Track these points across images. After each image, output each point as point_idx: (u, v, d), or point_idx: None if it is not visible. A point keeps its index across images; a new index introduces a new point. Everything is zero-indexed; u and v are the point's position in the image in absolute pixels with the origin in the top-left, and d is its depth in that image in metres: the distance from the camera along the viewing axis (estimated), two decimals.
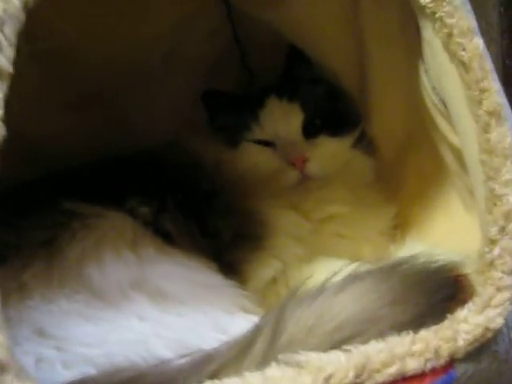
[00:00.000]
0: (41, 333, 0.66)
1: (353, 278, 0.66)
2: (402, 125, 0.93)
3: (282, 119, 0.95)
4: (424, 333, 0.58)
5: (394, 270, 0.66)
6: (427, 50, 0.70)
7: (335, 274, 0.67)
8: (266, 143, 0.95)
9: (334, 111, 0.98)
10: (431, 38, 0.66)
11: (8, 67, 0.52)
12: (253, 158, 0.95)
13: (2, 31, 0.51)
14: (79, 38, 0.87)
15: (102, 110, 0.99)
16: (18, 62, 0.79)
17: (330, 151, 0.95)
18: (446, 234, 0.85)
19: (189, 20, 1.01)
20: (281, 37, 1.01)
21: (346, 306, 0.62)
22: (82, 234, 0.75)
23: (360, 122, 0.98)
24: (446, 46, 0.63)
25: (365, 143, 0.98)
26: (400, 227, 0.94)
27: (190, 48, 1.04)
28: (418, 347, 0.57)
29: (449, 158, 0.80)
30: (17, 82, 0.83)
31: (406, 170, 0.94)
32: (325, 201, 0.93)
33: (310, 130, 0.95)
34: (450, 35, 0.61)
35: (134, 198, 0.83)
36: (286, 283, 0.86)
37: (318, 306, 0.63)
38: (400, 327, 0.59)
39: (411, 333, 0.58)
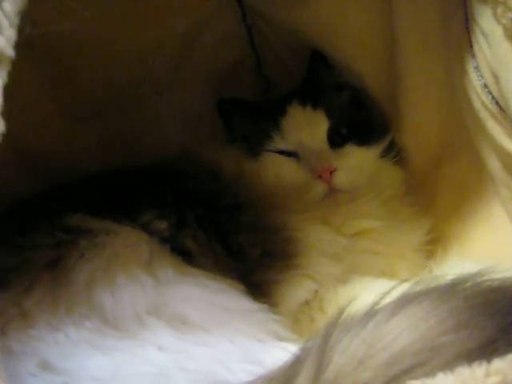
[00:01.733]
0: (46, 366, 0.60)
1: (406, 301, 0.57)
2: (436, 132, 0.88)
3: (306, 128, 0.90)
4: (499, 363, 0.49)
5: (454, 289, 0.57)
6: (482, 43, 0.64)
7: (384, 295, 0.59)
8: (289, 153, 0.91)
9: (360, 119, 0.94)
10: (490, 26, 0.59)
11: (8, 50, 0.45)
12: (276, 169, 0.90)
13: (2, 8, 0.42)
14: (87, 42, 0.84)
15: (110, 121, 0.96)
16: (22, 74, 0.79)
17: (357, 161, 0.90)
18: (488, 249, 0.80)
19: (201, 24, 0.97)
20: (299, 42, 0.97)
21: (402, 334, 0.53)
22: (91, 253, 0.70)
23: (388, 130, 0.93)
24: (511, 34, 0.55)
25: (394, 153, 0.92)
26: (436, 242, 0.88)
27: (202, 55, 1.01)
28: (493, 380, 0.48)
29: (495, 165, 0.74)
30: (21, 93, 0.81)
31: (440, 181, 0.90)
32: (355, 215, 0.87)
33: (336, 139, 0.91)
34: None
35: (150, 211, 0.78)
36: (320, 306, 0.80)
37: (368, 334, 0.54)
38: (468, 356, 0.50)
39: (484, 362, 0.49)
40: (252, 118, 0.95)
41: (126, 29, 0.89)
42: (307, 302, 0.80)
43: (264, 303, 0.71)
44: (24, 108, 0.86)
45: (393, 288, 0.61)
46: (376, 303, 0.58)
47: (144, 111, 0.99)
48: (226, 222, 0.81)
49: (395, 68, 0.86)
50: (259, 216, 0.82)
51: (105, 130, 0.96)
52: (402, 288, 0.60)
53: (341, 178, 0.87)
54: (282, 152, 0.91)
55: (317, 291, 0.80)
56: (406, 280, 0.77)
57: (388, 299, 0.59)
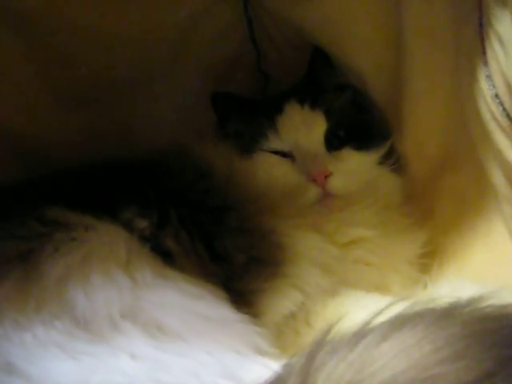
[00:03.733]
0: (9, 369, 0.56)
1: (399, 323, 0.52)
2: (439, 140, 0.84)
3: (303, 128, 0.87)
4: None
5: (452, 314, 0.52)
6: (497, 50, 0.59)
7: (376, 314, 0.54)
8: (284, 154, 0.87)
9: (360, 122, 0.91)
10: (509, 33, 0.55)
11: None
12: (268, 169, 0.87)
13: None
14: (84, 27, 0.83)
15: (103, 110, 0.94)
16: (14, 60, 0.79)
17: (354, 166, 0.87)
18: (487, 267, 0.77)
19: (201, 14, 0.93)
20: (301, 38, 0.94)
21: (394, 360, 0.49)
22: (67, 248, 0.66)
23: (389, 135, 0.90)
24: None
25: (393, 160, 0.89)
26: (432, 256, 0.85)
27: (201, 46, 0.96)
28: None
29: (499, 181, 0.69)
30: (10, 75, 0.83)
31: (440, 192, 0.86)
32: (349, 222, 0.83)
33: (334, 142, 0.88)
34: None
35: (131, 208, 0.75)
36: (306, 319, 0.75)
37: (356, 357, 0.50)
38: None
39: None
40: (247, 115, 0.91)
41: (125, 16, 0.86)
42: (293, 315, 0.76)
43: (246, 313, 0.67)
44: (12, 91, 0.84)
45: (386, 307, 0.56)
46: (367, 323, 0.53)
47: (138, 101, 0.96)
48: (211, 224, 0.78)
49: (400, 71, 0.82)
50: (247, 219, 0.79)
51: (97, 118, 0.93)
52: (396, 307, 0.56)
53: (336, 183, 0.84)
54: (276, 152, 0.88)
55: (304, 303, 0.76)
56: (398, 295, 0.76)
57: (380, 318, 0.54)
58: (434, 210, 0.87)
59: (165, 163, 0.84)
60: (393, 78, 0.85)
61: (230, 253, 0.76)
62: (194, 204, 0.79)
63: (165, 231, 0.74)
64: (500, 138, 0.65)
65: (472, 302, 0.53)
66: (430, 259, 0.85)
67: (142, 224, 0.74)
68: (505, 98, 0.61)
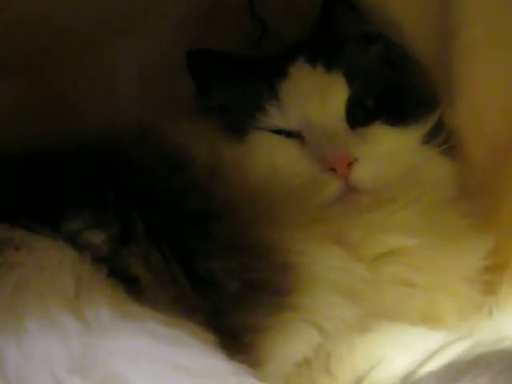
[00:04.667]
0: None
1: (456, 373, 0.53)
2: (505, 109, 0.86)
3: (316, 97, 0.88)
4: None
5: None
6: None
7: (424, 361, 0.57)
8: (290, 134, 0.89)
9: (395, 86, 0.92)
10: None
11: None
12: (268, 156, 0.88)
13: None
14: None
15: (46, 76, 0.96)
16: None
17: (388, 149, 0.88)
18: None
19: None
20: None
21: None
22: None
23: (436, 105, 0.91)
24: None
25: (443, 139, 0.90)
26: (499, 270, 0.85)
27: None
28: None
29: None
30: None
31: (508, 182, 0.88)
32: (381, 228, 0.84)
33: (359, 116, 0.89)
34: None
35: (81, 215, 0.75)
36: (326, 367, 0.75)
37: None
38: None
39: None
40: (237, 81, 0.93)
41: None
42: (307, 361, 0.77)
43: (243, 361, 0.66)
44: None
45: (437, 349, 0.58)
46: (411, 373, 0.55)
47: (87, 65, 0.98)
48: (191, 237, 0.78)
49: (450, 17, 0.84)
50: (241, 230, 0.79)
51: (31, 88, 0.95)
52: (450, 348, 0.58)
53: (363, 173, 0.85)
54: (279, 132, 0.89)
55: (322, 345, 0.77)
56: (454, 328, 0.76)
57: (429, 365, 0.57)
58: (500, 207, 0.89)
59: (126, 152, 0.85)
60: (441, 26, 0.87)
61: (217, 277, 0.76)
62: (168, 209, 0.79)
63: (128, 248, 0.74)
64: None
65: None
66: (496, 275, 0.85)
67: (97, 238, 0.74)
68: None
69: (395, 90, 0.91)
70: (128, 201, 0.79)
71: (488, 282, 0.86)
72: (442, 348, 0.59)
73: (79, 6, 0.92)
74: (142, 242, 0.76)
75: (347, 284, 0.79)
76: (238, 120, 0.90)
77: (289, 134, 0.89)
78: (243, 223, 0.80)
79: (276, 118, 0.89)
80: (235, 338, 0.73)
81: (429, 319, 0.81)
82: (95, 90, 0.99)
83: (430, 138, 0.90)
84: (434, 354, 0.57)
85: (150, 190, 0.81)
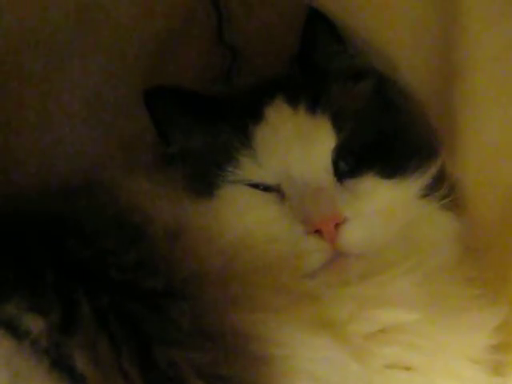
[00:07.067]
0: None
1: None
2: None
3: (297, 146, 0.85)
4: None
5: None
6: None
7: None
8: (267, 188, 0.86)
9: (389, 132, 0.90)
10: None
11: None
12: (241, 217, 0.85)
13: None
14: None
15: None
16: None
17: (381, 205, 0.85)
18: None
19: None
20: None
21: None
22: None
23: (436, 153, 0.89)
24: None
25: (444, 191, 0.87)
26: (509, 349, 0.82)
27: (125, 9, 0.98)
28: None
29: None
30: None
31: None
32: (373, 301, 0.80)
33: (348, 167, 0.86)
34: None
35: (16, 297, 0.71)
36: None
37: None
38: None
39: None
40: (203, 124, 0.90)
41: None
42: None
43: None
44: None
45: None
46: None
47: (22, 97, 0.96)
48: (149, 322, 0.73)
49: (455, 52, 0.83)
50: (208, 313, 0.75)
51: None
52: None
53: (353, 235, 0.82)
54: (254, 186, 0.86)
55: None
56: None
57: None
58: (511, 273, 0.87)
59: (69, 214, 0.82)
60: (443, 58, 0.86)
61: (182, 372, 0.71)
62: (120, 287, 0.75)
63: (72, 339, 0.69)
64: None
65: None
66: (506, 355, 0.83)
67: (35, 326, 0.69)
68: None
69: (390, 135, 0.89)
70: (71, 277, 0.74)
71: (497, 362, 0.83)
72: None
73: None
74: (88, 329, 0.71)
75: (334, 380, 0.76)
76: (205, 172, 0.88)
77: (265, 188, 0.86)
78: (211, 305, 0.76)
79: (250, 169, 0.86)
80: None
81: None
82: (29, 135, 0.96)
83: (430, 191, 0.87)
84: None
85: (97, 264, 0.77)
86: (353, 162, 0.86)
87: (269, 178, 0.85)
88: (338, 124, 0.86)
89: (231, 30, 1.04)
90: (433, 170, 0.87)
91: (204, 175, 0.87)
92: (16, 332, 0.68)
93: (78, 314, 0.71)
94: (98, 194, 0.84)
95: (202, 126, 0.90)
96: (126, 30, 0.99)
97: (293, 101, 0.87)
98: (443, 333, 0.80)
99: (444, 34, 0.84)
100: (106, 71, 0.98)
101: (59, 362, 0.68)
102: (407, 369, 0.79)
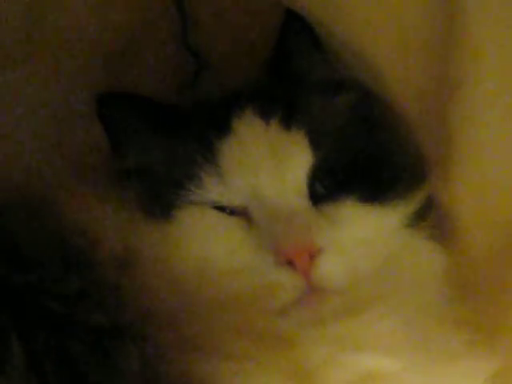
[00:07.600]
0: None
1: None
2: None
3: (269, 164, 0.81)
4: None
5: None
6: None
7: None
8: (233, 211, 0.81)
9: (372, 151, 0.85)
10: None
11: None
12: (202, 243, 0.79)
13: None
14: None
15: None
16: None
17: (362, 234, 0.81)
18: None
19: None
20: None
21: None
22: None
23: (424, 177, 0.86)
24: None
25: (432, 220, 0.85)
26: None
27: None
28: None
29: None
30: None
31: None
32: (352, 344, 0.74)
33: (325, 190, 0.81)
34: None
35: None
36: None
37: None
38: None
39: None
40: (162, 137, 0.85)
41: None
42: None
43: None
44: None
45: None
46: None
47: None
48: (91, 366, 0.68)
49: (452, 65, 0.80)
50: (161, 357, 0.69)
51: None
52: None
53: (330, 267, 0.77)
54: (218, 208, 0.81)
55: None
56: None
57: None
58: (508, 313, 0.83)
59: (5, 231, 0.77)
60: (433, 75, 0.83)
61: None
62: (59, 323, 0.70)
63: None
64: None
65: None
66: None
67: None
68: None
69: (373, 156, 0.85)
70: (2, 311, 0.69)
71: None
72: None
73: None
74: (21, 374, 0.66)
75: None
76: (163, 190, 0.82)
77: (231, 211, 0.81)
78: (164, 349, 0.70)
79: (214, 189, 0.80)
80: None
81: None
82: None
83: (417, 220, 0.84)
84: None
85: (33, 294, 0.71)
86: (331, 184, 0.81)
87: (235, 200, 0.80)
88: (314, 141, 0.81)
89: (197, 34, 1.01)
90: (420, 196, 0.84)
91: (161, 194, 0.82)
92: None
93: (9, 356, 0.67)
94: (39, 210, 0.78)
95: (161, 139, 0.85)
96: (79, 30, 0.96)
97: (265, 113, 0.82)
98: (432, 382, 0.75)
99: (437, 48, 0.81)
100: (54, 78, 0.93)
101: None
102: None
